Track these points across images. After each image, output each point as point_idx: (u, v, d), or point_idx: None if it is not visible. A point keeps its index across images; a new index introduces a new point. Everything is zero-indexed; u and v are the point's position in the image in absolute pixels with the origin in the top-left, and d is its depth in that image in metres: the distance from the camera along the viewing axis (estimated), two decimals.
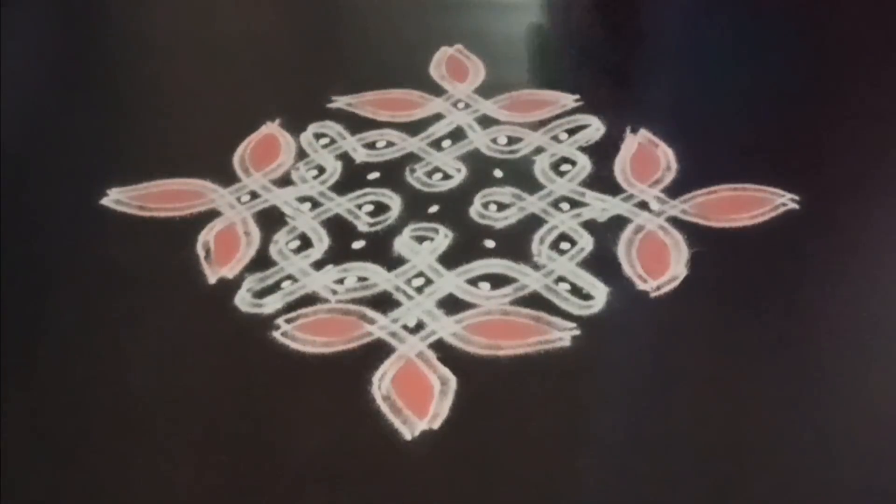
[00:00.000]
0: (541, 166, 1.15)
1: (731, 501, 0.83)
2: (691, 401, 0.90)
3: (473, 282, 1.02)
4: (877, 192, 1.10)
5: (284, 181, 1.16)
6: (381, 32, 1.46)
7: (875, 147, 1.15)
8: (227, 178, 1.17)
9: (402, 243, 1.07)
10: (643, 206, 1.08)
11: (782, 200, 1.07)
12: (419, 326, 0.97)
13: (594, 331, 0.96)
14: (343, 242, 1.08)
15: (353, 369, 0.94)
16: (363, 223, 1.10)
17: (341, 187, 1.15)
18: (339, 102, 1.27)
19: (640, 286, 1.00)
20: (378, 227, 1.09)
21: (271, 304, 1.01)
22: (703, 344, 0.96)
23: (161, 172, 1.17)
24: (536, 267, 1.03)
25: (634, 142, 1.16)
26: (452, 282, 1.02)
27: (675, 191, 1.10)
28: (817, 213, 1.07)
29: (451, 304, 0.99)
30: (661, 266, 1.01)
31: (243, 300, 1.02)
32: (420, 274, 1.03)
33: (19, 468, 0.88)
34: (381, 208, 1.12)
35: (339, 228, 1.10)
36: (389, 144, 1.21)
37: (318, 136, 1.23)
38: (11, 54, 1.42)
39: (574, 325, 0.96)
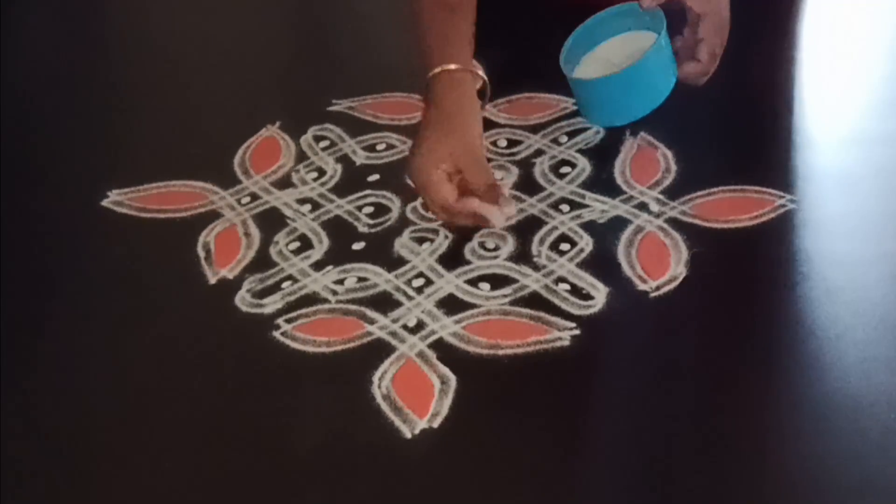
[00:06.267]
0: (541, 168, 1.15)
1: (732, 501, 0.82)
2: (691, 401, 0.90)
3: (473, 282, 1.02)
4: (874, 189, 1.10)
5: (284, 183, 1.17)
6: (381, 36, 1.46)
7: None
8: (227, 180, 1.17)
9: (402, 244, 1.07)
10: (643, 207, 1.08)
11: (782, 201, 1.07)
12: (419, 326, 0.97)
13: (594, 331, 0.96)
14: (343, 243, 1.08)
15: (353, 369, 0.94)
16: (363, 224, 1.10)
17: (341, 189, 1.15)
18: (340, 106, 1.28)
19: (640, 286, 1.00)
20: (378, 229, 1.09)
21: (271, 304, 1.01)
22: (702, 344, 0.96)
23: (161, 174, 1.18)
24: (536, 267, 1.03)
25: (634, 144, 1.17)
26: (452, 282, 1.02)
27: (674, 192, 1.10)
28: (817, 213, 1.08)
29: (451, 305, 0.99)
30: (660, 267, 1.01)
31: (243, 300, 1.02)
32: (420, 274, 1.03)
33: (19, 468, 0.88)
34: (381, 210, 1.12)
35: (339, 230, 1.10)
36: (389, 147, 1.21)
37: (318, 138, 1.23)
38: (11, 54, 1.42)
39: (574, 324, 0.96)
